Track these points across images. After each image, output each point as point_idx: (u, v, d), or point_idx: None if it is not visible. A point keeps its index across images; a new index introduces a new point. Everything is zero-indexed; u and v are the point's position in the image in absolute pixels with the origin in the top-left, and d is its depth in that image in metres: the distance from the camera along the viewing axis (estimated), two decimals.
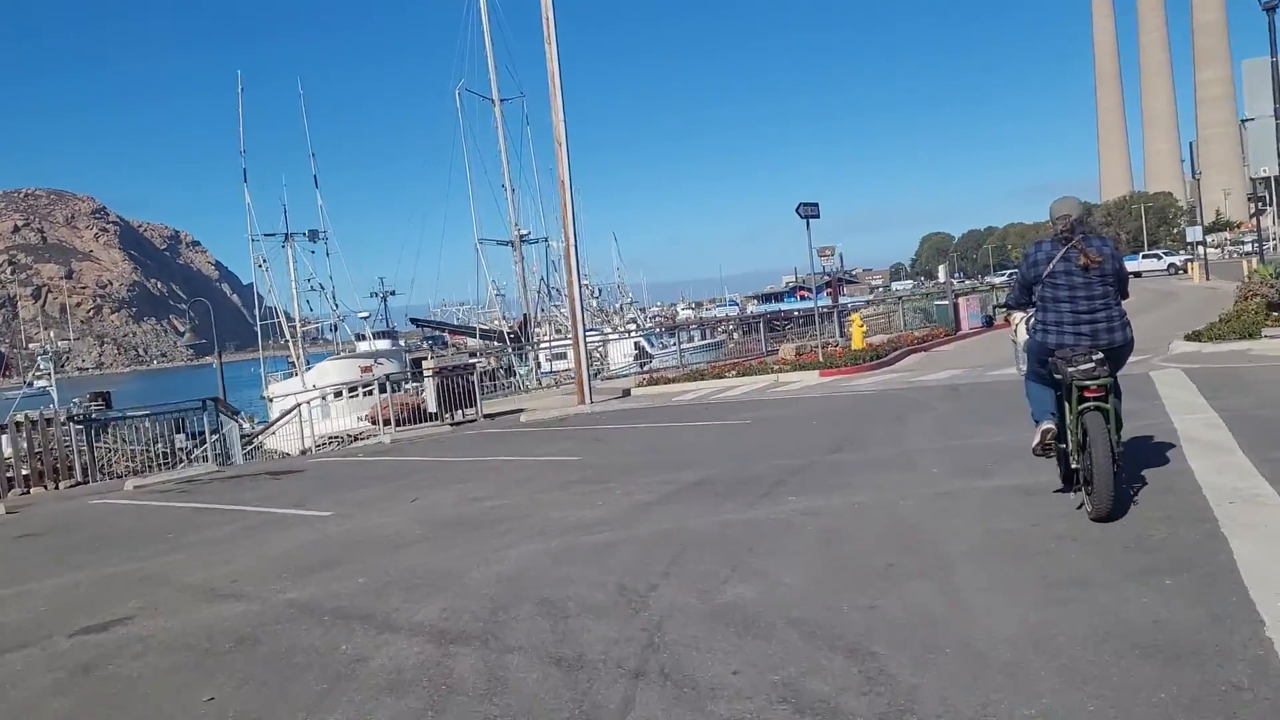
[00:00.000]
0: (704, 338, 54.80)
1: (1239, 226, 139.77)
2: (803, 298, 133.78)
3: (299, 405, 21.45)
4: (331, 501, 10.69)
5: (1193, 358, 15.25)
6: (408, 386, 25.48)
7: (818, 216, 21.58)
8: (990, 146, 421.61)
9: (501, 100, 42.34)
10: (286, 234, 43.28)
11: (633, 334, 51.59)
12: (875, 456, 9.68)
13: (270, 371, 43.52)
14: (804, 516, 7.31)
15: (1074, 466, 6.56)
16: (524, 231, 43.37)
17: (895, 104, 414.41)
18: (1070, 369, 6.33)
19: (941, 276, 38.04)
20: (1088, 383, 6.30)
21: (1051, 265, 6.52)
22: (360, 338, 66.51)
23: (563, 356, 48.58)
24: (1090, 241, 6.53)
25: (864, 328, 23.98)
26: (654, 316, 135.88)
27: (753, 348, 31.52)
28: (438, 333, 51.33)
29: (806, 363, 21.85)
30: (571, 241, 21.99)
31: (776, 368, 21.94)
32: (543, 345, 48.97)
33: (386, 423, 21.63)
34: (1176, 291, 43.10)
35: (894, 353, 23.66)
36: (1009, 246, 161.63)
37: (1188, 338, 16.98)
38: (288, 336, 42.07)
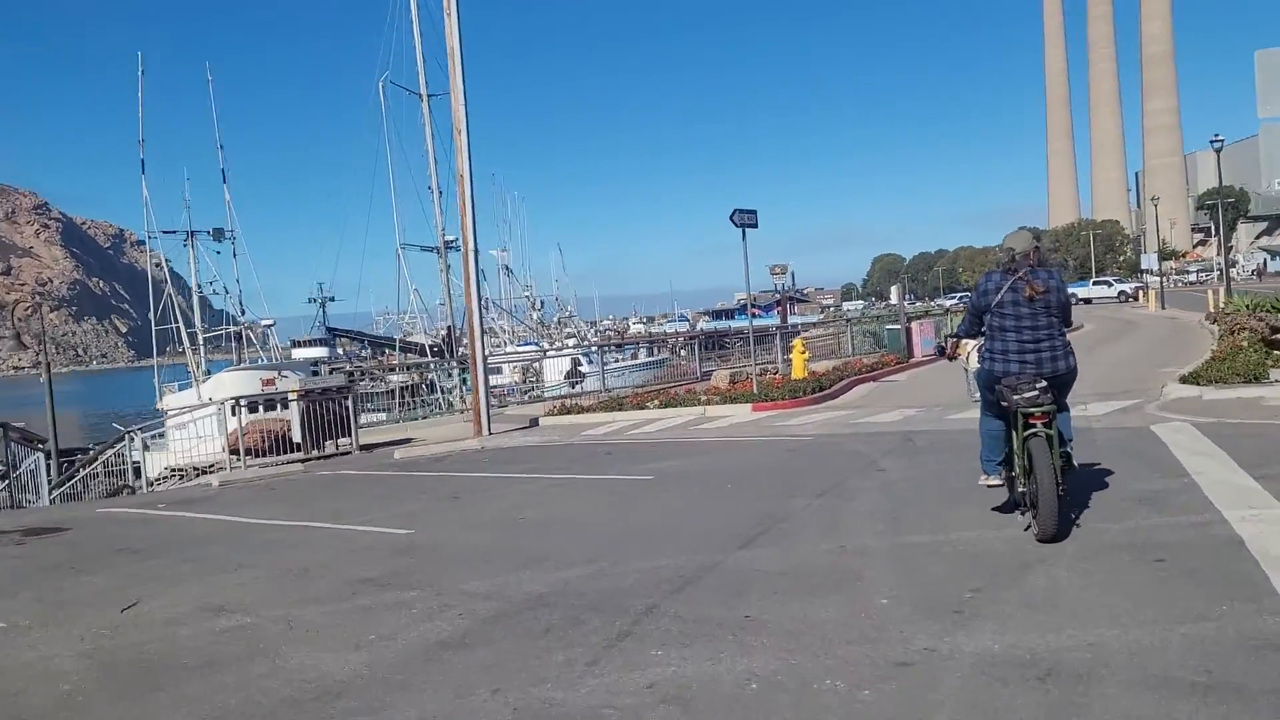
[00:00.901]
0: (650, 355, 51.80)
1: (1184, 256, 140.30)
2: (754, 315, 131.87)
3: (127, 431, 17.90)
4: None
5: (1197, 407, 12.43)
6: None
7: (755, 226, 18.62)
8: (942, 171, 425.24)
9: (430, 95, 38.89)
10: (189, 232, 39.46)
11: (572, 350, 48.44)
12: (799, 561, 6.59)
13: (169, 381, 39.60)
14: (661, 708, 4.21)
15: (1020, 490, 6.75)
16: (451, 237, 39.91)
17: (850, 126, 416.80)
18: (1015, 396, 6.56)
19: (894, 298, 35.28)
20: (1032, 409, 6.52)
21: (1000, 295, 6.79)
22: (296, 344, 62.52)
23: (497, 371, 45.16)
24: (1037, 274, 6.78)
25: (806, 354, 21.04)
26: (605, 330, 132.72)
27: (689, 369, 28.46)
28: (382, 344, 47.60)
29: (740, 394, 18.82)
30: (470, 245, 18.80)
31: (706, 398, 18.88)
32: (567, 351, 45.69)
33: (248, 452, 18.21)
34: (1136, 321, 40.88)
35: (840, 383, 20.73)
36: (959, 269, 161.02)
37: (1184, 380, 14.19)
38: (186, 344, 38.20)
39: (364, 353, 58.56)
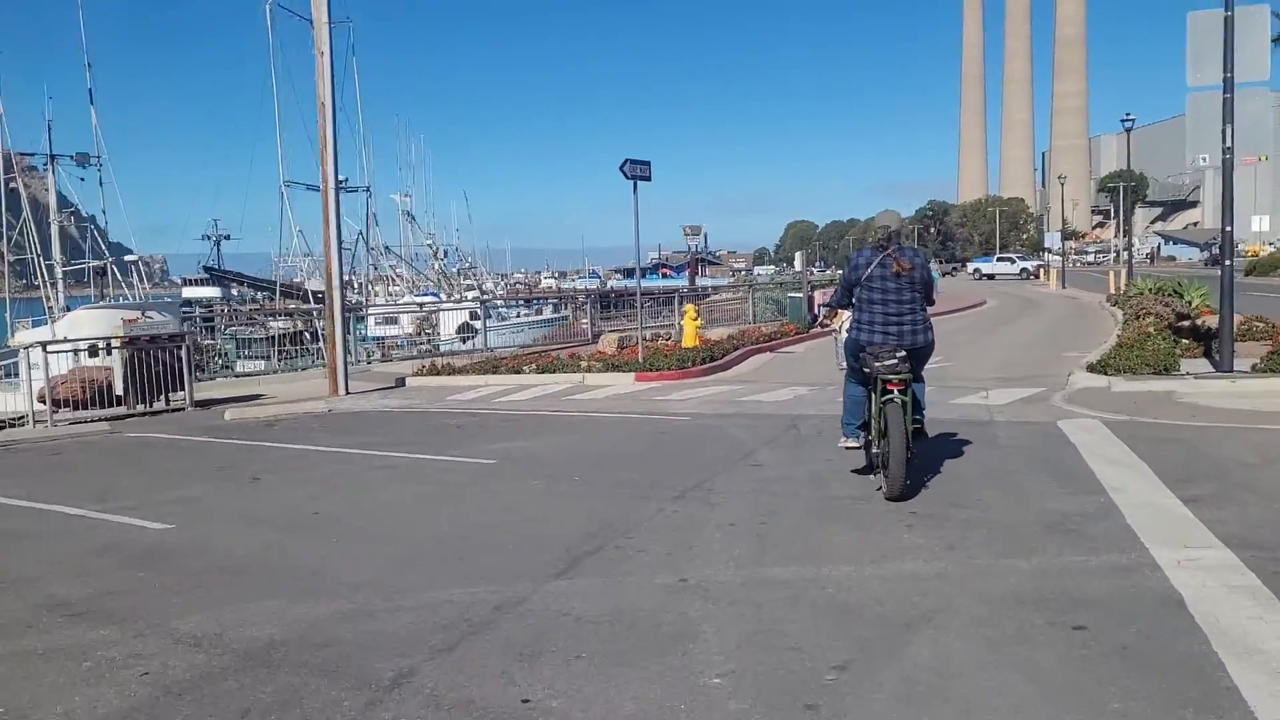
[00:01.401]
0: (555, 311, 49.91)
1: (1084, 237, 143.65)
2: (665, 275, 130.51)
3: None
4: None
5: (1107, 400, 11.30)
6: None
7: (647, 178, 16.96)
8: (857, 141, 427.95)
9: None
10: (50, 155, 35.92)
11: (470, 303, 46.34)
12: (624, 602, 5.04)
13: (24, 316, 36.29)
14: None
15: (875, 451, 7.12)
16: (341, 178, 37.29)
17: (770, 93, 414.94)
18: (877, 364, 6.96)
19: (798, 265, 34.11)
20: (890, 377, 6.90)
21: (869, 270, 7.18)
22: (188, 282, 58.70)
23: (394, 321, 42.82)
24: (904, 252, 7.26)
25: (698, 321, 19.56)
26: (515, 284, 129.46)
27: (581, 331, 26.79)
28: (261, 287, 44.54)
29: (623, 362, 17.25)
30: (330, 183, 16.75)
31: (587, 365, 17.27)
32: (374, 309, 43.19)
33: (65, 404, 15.97)
34: (1037, 299, 40.59)
35: (733, 353, 19.34)
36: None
37: (1092, 369, 13.10)
38: (44, 277, 34.92)
39: (260, 296, 55.42)
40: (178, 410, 15.55)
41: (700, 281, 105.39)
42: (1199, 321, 17.39)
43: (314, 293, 39.25)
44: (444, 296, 51.69)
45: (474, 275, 56.01)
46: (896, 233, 7.41)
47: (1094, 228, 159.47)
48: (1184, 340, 15.16)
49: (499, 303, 42.95)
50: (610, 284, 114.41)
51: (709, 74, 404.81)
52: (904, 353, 6.98)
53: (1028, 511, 6.42)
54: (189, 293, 52.37)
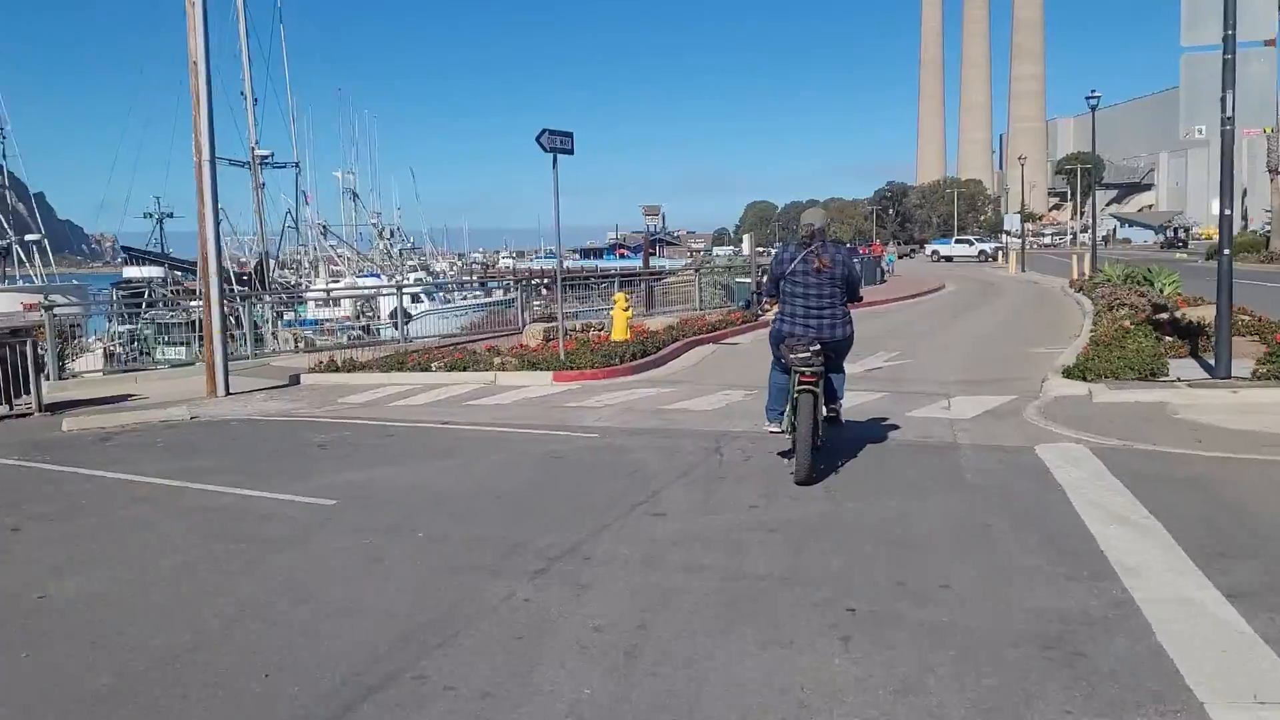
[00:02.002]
0: (507, 294, 47.56)
1: (1041, 219, 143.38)
2: (621, 255, 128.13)
3: None
4: None
5: (1090, 415, 9.49)
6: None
7: (570, 152, 14.89)
8: (817, 122, 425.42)
9: None
10: None
11: (413, 285, 44.04)
12: None
13: None
14: None
15: (789, 435, 7.42)
16: (266, 152, 34.76)
17: (730, 73, 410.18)
18: (792, 355, 7.23)
19: (745, 248, 32.21)
20: (803, 369, 7.16)
21: (793, 265, 7.46)
22: (130, 260, 55.48)
23: (335, 304, 40.33)
24: (826, 249, 7.49)
25: (629, 311, 17.50)
26: (472, 263, 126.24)
27: (511, 319, 24.71)
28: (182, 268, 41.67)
29: (543, 359, 15.21)
30: (205, 153, 14.50)
31: (501, 361, 15.22)
32: (312, 292, 40.67)
33: None
34: (997, 283, 39.09)
35: (671, 345, 17.40)
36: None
37: (1068, 373, 11.30)
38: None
39: (183, 277, 52.52)
40: (22, 416, 13.33)
41: (657, 262, 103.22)
42: (1179, 314, 15.73)
43: (239, 275, 36.69)
44: (385, 278, 49.34)
45: (417, 255, 53.34)
46: (821, 230, 7.56)
47: (1050, 209, 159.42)
48: (1165, 337, 13.44)
49: (433, 285, 40.56)
50: (566, 265, 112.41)
51: (671, 52, 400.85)
52: (818, 346, 7.20)
53: (1011, 612, 4.53)
54: (130, 272, 49.37)
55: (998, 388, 11.71)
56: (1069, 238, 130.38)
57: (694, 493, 7.19)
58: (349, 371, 16.04)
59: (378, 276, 50.12)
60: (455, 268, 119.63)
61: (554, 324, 19.54)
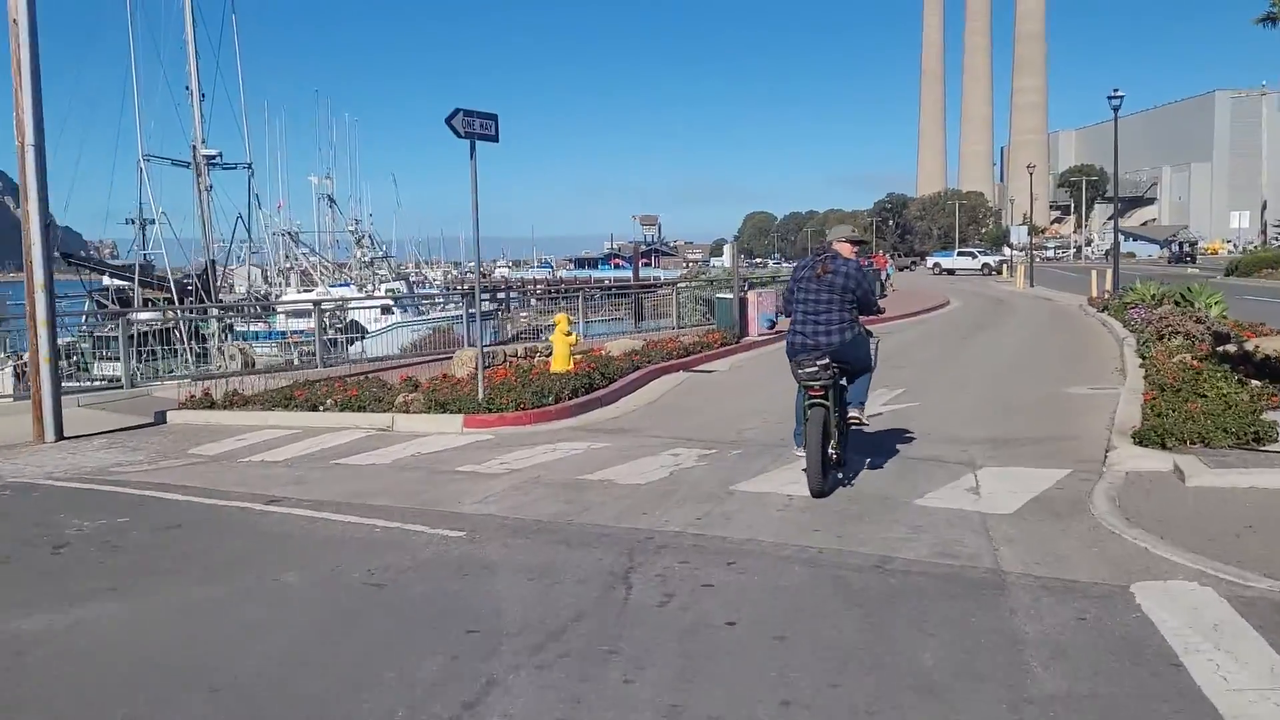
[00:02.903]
0: (458, 307, 44.36)
1: (1044, 232, 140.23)
2: (616, 265, 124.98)
3: None
4: None
5: (1195, 517, 6.30)
6: None
7: (494, 138, 11.75)
8: (818, 133, 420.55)
9: None
10: None
11: (381, 298, 40.99)
12: None
13: None
14: None
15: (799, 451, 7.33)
16: (212, 152, 31.65)
17: (729, 83, 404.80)
18: (800, 371, 7.21)
19: (726, 260, 29.05)
20: (810, 384, 7.12)
21: (802, 274, 7.58)
22: (70, 265, 52.33)
23: (305, 315, 37.05)
24: (834, 259, 7.46)
25: (572, 336, 14.15)
26: (468, 274, 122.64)
27: (457, 339, 21.58)
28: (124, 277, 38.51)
29: (455, 398, 11.94)
30: (28, 135, 11.38)
31: (405, 401, 12.03)
32: (282, 304, 37.59)
33: None
34: (1007, 300, 35.92)
35: (627, 377, 14.28)
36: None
37: (1139, 440, 8.10)
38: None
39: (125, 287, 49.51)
40: None
41: (653, 273, 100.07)
42: (1251, 347, 12.59)
43: (183, 282, 33.51)
44: (356, 289, 46.26)
45: (390, 264, 50.04)
46: (831, 243, 7.66)
47: (1052, 223, 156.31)
48: (1253, 383, 10.28)
49: (390, 296, 37.38)
50: (560, 274, 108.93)
51: (671, 61, 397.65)
52: (826, 360, 7.15)
53: None
54: (107, 281, 46.36)
55: (1040, 452, 8.57)
56: (1072, 251, 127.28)
57: (553, 689, 4.03)
58: (226, 409, 12.89)
59: (348, 286, 47.03)
60: (450, 277, 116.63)
61: (505, 346, 16.47)
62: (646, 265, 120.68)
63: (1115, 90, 27.48)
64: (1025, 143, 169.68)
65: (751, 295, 21.29)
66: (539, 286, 79.00)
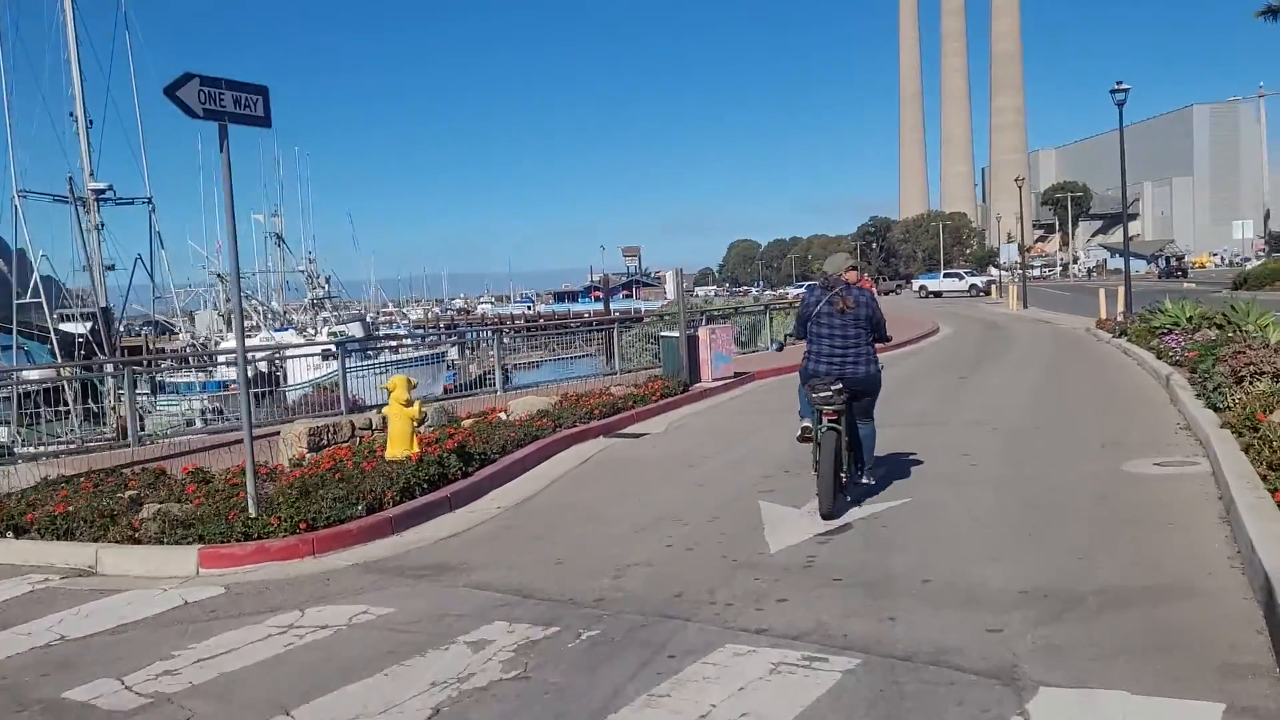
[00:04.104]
0: (463, 348, 39.96)
1: (1029, 250, 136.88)
2: (597, 298, 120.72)
3: None
4: None
5: None
6: None
7: (264, 122, 7.54)
8: (799, 160, 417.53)
9: None
10: None
11: (325, 342, 36.89)
12: None
13: None
14: None
15: (814, 472, 7.40)
16: (100, 185, 27.64)
17: (711, 115, 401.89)
18: (814, 395, 7.31)
19: (669, 288, 25.07)
20: (825, 407, 7.22)
21: (818, 308, 7.62)
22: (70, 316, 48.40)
23: (251, 361, 32.85)
24: (850, 291, 7.64)
25: (416, 411, 9.77)
26: (450, 311, 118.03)
27: (355, 400, 17.38)
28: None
29: (212, 513, 7.86)
30: None
31: (128, 524, 7.88)
32: (172, 356, 33.66)
33: None
34: (1002, 324, 31.98)
35: (514, 455, 10.30)
36: (810, 257, 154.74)
37: None
38: None
39: (144, 329, 45.44)
40: None
41: (634, 305, 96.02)
42: None
43: (82, 336, 29.41)
44: (298, 334, 42.34)
45: (331, 304, 45.77)
46: (841, 273, 7.84)
47: (1036, 241, 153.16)
48: None
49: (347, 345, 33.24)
50: (539, 309, 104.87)
51: (653, 96, 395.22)
52: (840, 385, 7.25)
53: None
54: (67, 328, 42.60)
55: (1134, 637, 4.54)
56: (1059, 269, 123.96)
57: None
58: None
59: (288, 331, 43.01)
60: (431, 315, 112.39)
61: (320, 424, 12.49)
62: (627, 297, 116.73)
63: (1119, 83, 23.72)
64: (1006, 162, 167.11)
65: (703, 333, 17.26)
66: (509, 323, 74.72)
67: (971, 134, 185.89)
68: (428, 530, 7.93)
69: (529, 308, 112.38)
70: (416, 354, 35.43)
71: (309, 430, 11.01)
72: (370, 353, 31.99)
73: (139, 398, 24.14)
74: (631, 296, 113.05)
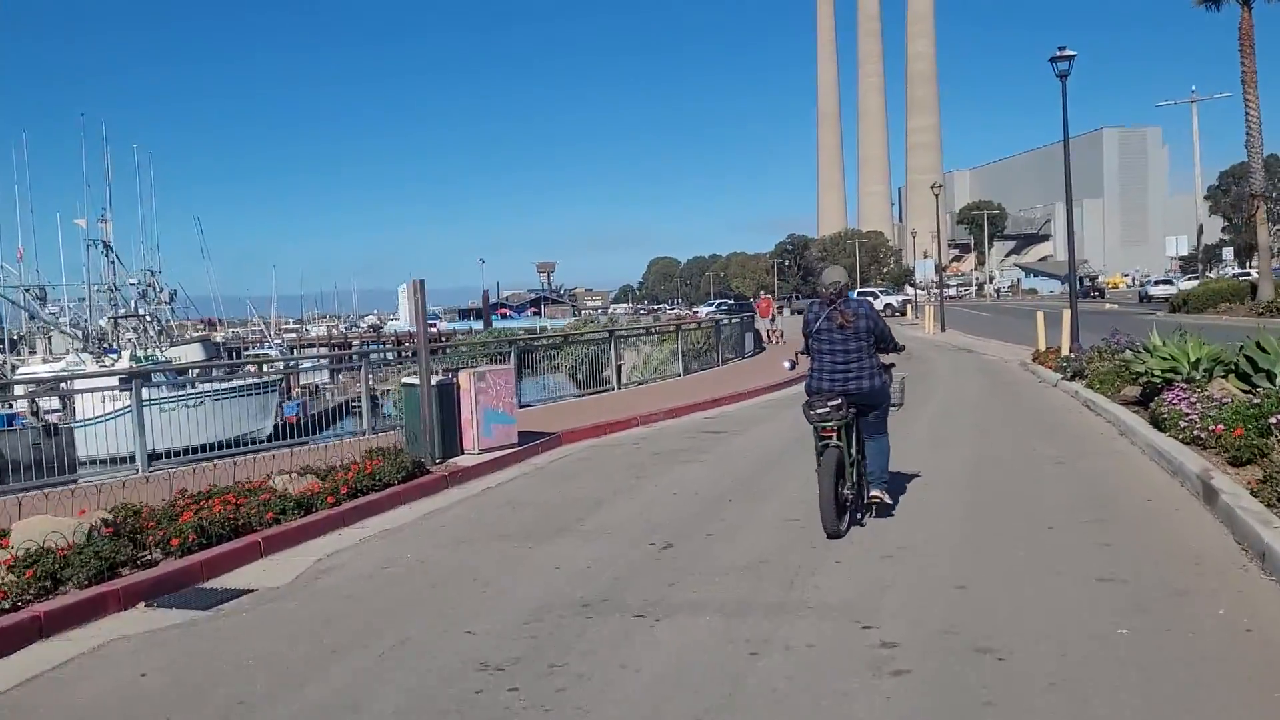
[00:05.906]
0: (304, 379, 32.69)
1: (944, 269, 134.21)
2: (504, 316, 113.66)
3: None
4: None
5: None
6: None
7: None
8: (720, 178, 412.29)
9: None
10: None
11: (118, 370, 29.72)
12: None
13: None
14: None
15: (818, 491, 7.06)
16: None
17: (632, 131, 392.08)
18: (811, 412, 7.06)
19: (402, 311, 15.65)
20: (822, 424, 6.98)
21: (819, 323, 7.32)
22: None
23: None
24: (849, 304, 7.31)
25: None
26: (362, 328, 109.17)
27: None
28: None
29: None
30: None
31: None
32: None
33: None
34: (918, 354, 26.14)
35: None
36: (729, 275, 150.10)
37: None
38: None
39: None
40: None
41: (540, 322, 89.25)
42: None
43: None
44: (85, 360, 34.96)
45: (140, 322, 37.99)
46: (845, 286, 7.45)
47: (952, 260, 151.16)
48: None
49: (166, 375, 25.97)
50: (440, 327, 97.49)
51: (572, 110, 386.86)
52: (839, 400, 7.04)
53: None
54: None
55: None
56: (974, 288, 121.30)
57: None
58: None
59: (117, 353, 35.53)
60: (336, 332, 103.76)
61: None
62: (535, 315, 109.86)
63: (1062, 49, 18.31)
64: (922, 182, 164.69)
65: (465, 378, 11.00)
66: (388, 342, 67.02)
67: (889, 154, 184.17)
68: None
69: (434, 323, 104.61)
70: (241, 383, 28.41)
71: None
72: (185, 383, 24.77)
73: None
74: (539, 315, 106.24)
